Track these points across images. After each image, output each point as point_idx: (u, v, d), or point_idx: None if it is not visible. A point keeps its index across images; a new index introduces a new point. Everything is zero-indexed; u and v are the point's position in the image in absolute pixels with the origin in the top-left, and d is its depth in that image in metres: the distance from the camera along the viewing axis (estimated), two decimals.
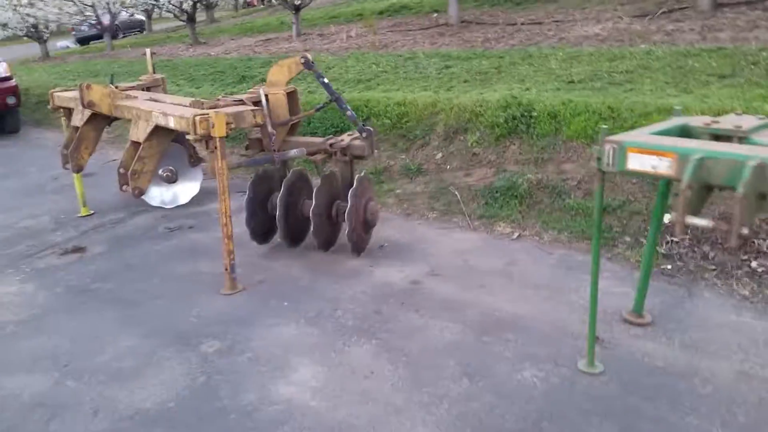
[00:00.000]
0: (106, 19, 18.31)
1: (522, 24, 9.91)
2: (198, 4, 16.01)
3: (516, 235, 4.50)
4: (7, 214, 5.82)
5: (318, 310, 3.58)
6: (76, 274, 4.34)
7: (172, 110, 3.85)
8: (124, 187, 4.80)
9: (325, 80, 4.17)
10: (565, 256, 4.10)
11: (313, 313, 3.56)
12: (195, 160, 5.65)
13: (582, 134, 5.14)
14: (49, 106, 5.24)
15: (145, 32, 27.09)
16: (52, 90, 5.17)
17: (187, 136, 3.65)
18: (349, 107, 4.21)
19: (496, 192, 5.05)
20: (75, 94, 4.96)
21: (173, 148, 5.60)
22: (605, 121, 5.11)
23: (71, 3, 17.91)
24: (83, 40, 27.05)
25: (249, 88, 6.38)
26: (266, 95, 4.15)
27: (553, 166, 5.11)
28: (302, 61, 4.16)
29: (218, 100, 4.11)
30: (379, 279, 3.94)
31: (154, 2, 15.57)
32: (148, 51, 5.81)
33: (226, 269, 3.85)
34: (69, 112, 5.23)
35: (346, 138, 4.18)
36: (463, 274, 3.94)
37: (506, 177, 5.14)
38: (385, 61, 8.84)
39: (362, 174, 4.30)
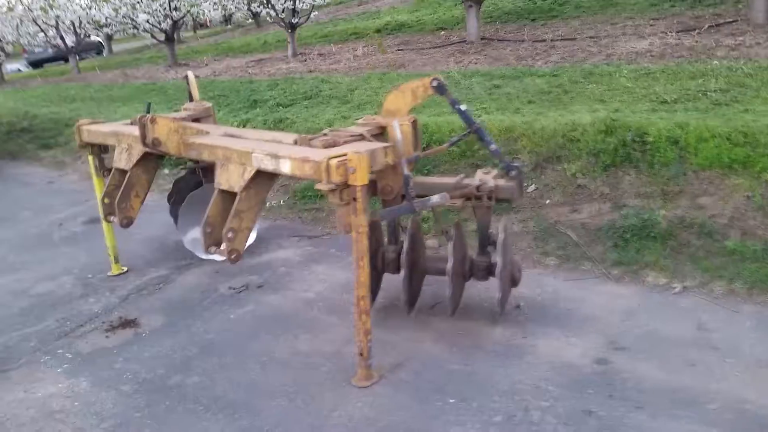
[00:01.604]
0: (69, 40, 16.95)
1: (552, 41, 9.31)
2: (178, 24, 14.90)
3: (678, 288, 3.72)
4: (13, 275, 4.71)
5: (503, 410, 2.70)
6: (140, 361, 3.33)
7: (287, 151, 2.93)
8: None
9: (462, 107, 3.33)
10: (759, 315, 3.35)
11: (499, 416, 2.67)
12: None
13: (716, 162, 4.43)
14: (76, 143, 4.20)
15: (105, 53, 25.66)
16: (80, 122, 4.15)
17: (318, 186, 2.73)
18: (492, 140, 3.37)
19: (626, 232, 4.28)
20: (114, 128, 3.97)
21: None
22: (740, 147, 4.44)
23: (30, 22, 16.52)
24: (36, 63, 25.37)
25: (265, 114, 5.40)
26: (390, 128, 3.28)
27: (687, 200, 4.38)
28: (434, 84, 3.31)
29: (326, 134, 3.21)
30: (550, 357, 3.09)
31: (131, 22, 14.36)
32: (190, 74, 4.84)
33: (361, 354, 2.92)
34: (99, 150, 4.21)
35: (487, 177, 3.34)
36: (652, 347, 3.13)
37: (632, 213, 4.38)
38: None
39: (506, 221, 3.47)
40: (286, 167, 2.88)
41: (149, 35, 15.32)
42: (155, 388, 3.07)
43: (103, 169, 4.23)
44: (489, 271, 3.41)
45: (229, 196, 3.17)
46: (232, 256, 3.12)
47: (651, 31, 8.74)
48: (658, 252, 4.07)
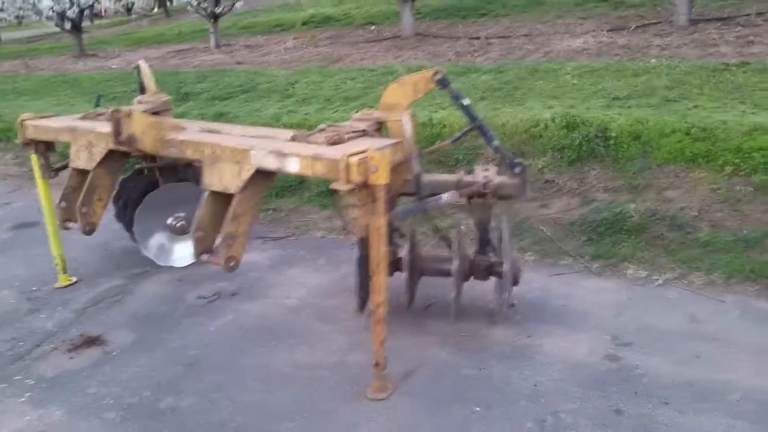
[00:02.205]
0: None
1: (487, 38, 9.43)
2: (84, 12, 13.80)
3: (660, 280, 3.81)
4: None
5: (532, 415, 2.62)
6: (119, 384, 2.97)
7: (294, 148, 2.69)
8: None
9: (465, 102, 3.22)
10: (742, 304, 3.48)
11: (530, 421, 2.59)
12: None
13: (679, 157, 4.60)
14: (17, 140, 3.69)
15: None
16: (23, 116, 3.64)
17: (335, 186, 2.52)
18: (494, 136, 3.28)
19: (599, 226, 4.35)
20: (69, 123, 3.52)
21: (182, 189, 4.28)
22: (700, 142, 4.64)
23: None
24: None
25: (201, 107, 5.17)
26: (391, 123, 3.11)
27: (654, 193, 4.52)
28: (437, 77, 3.17)
29: (323, 129, 2.99)
30: (560, 356, 3.05)
31: (31, 8, 13.13)
32: (143, 62, 4.41)
33: (377, 364, 2.75)
34: (46, 148, 3.73)
35: (491, 175, 3.25)
36: (654, 341, 3.16)
37: (602, 207, 4.46)
38: (362, 77, 7.88)
39: (503, 219, 3.40)
40: (293, 166, 2.64)
41: (53, 24, 14.09)
42: (146, 413, 2.74)
43: (49, 170, 3.76)
44: (489, 270, 3.33)
45: (221, 198, 2.88)
46: (231, 264, 2.84)
47: (582, 29, 9.05)
48: (633, 245, 4.15)
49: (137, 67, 4.34)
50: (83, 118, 3.68)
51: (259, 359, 3.15)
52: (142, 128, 2.93)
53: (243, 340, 3.35)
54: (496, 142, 3.23)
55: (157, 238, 4.16)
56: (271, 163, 2.71)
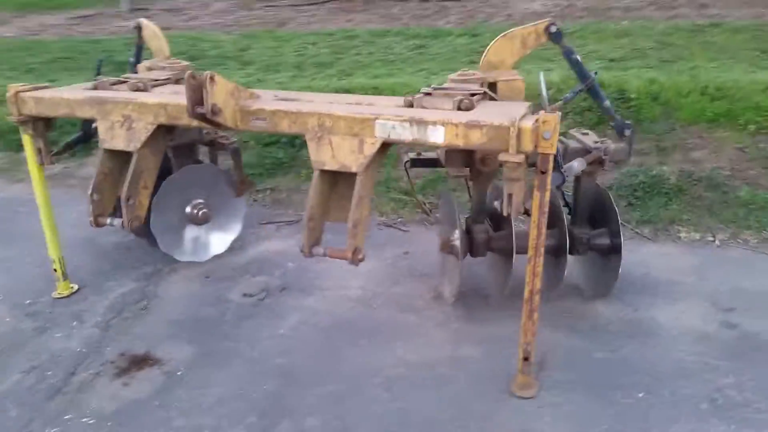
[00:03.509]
0: None
1: (438, 1, 9.13)
2: None
3: (716, 241, 3.78)
4: None
5: (700, 395, 2.44)
6: (209, 411, 2.45)
7: (438, 116, 2.26)
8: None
9: (579, 58, 2.92)
10: None
11: (704, 402, 2.40)
12: (240, 186, 3.77)
13: (701, 117, 4.60)
14: (11, 117, 2.90)
15: None
16: (19, 88, 2.86)
17: (504, 157, 2.14)
18: (606, 96, 3.01)
19: (636, 190, 4.26)
20: (93, 94, 2.82)
21: (204, 170, 3.68)
22: (718, 101, 4.66)
23: None
24: None
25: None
26: (503, 84, 2.75)
27: (680, 154, 4.49)
28: (552, 30, 2.83)
29: (429, 93, 2.58)
30: (678, 328, 2.90)
31: None
32: (145, 21, 3.67)
33: (526, 358, 2.44)
34: (45, 127, 3.00)
35: (599, 139, 2.99)
36: (756, 305, 3.09)
37: (635, 171, 4.37)
38: (323, 42, 7.33)
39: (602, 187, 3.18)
40: (437, 136, 2.23)
41: None
42: None
43: (49, 154, 3.03)
44: (591, 244, 3.09)
45: (334, 178, 2.40)
46: (359, 256, 2.39)
47: None
48: (677, 207, 4.10)
49: (138, 26, 3.61)
50: (96, 87, 2.98)
51: (361, 362, 2.73)
52: (223, 97, 2.35)
53: (327, 342, 2.90)
54: (607, 103, 2.97)
55: (177, 230, 3.54)
56: (403, 134, 2.27)
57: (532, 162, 2.43)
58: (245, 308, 3.22)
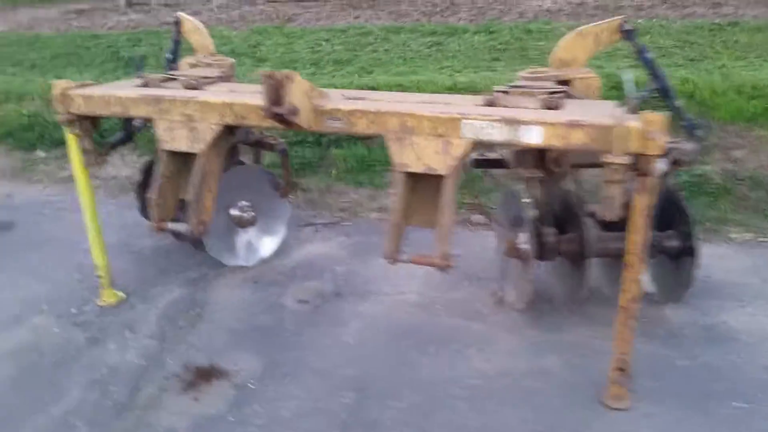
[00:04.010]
0: None
1: None
2: None
3: None
4: None
5: None
6: (291, 427, 2.33)
7: (532, 115, 2.17)
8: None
9: (651, 57, 2.85)
10: None
11: None
12: (286, 187, 3.64)
13: (738, 116, 4.57)
14: (58, 116, 2.74)
15: None
16: (65, 85, 2.71)
17: (609, 159, 2.05)
18: (676, 95, 2.95)
19: (681, 190, 4.21)
20: (150, 92, 2.68)
21: (249, 172, 3.56)
22: (756, 100, 4.63)
23: None
24: None
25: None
26: (579, 81, 2.67)
27: (720, 153, 4.46)
28: (625, 27, 2.75)
29: (505, 92, 2.49)
30: (758, 334, 2.84)
31: None
32: (184, 15, 3.52)
33: (622, 369, 2.36)
34: (92, 126, 2.84)
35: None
36: None
37: (678, 171, 4.31)
38: (336, 39, 7.20)
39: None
40: (533, 136, 2.14)
41: None
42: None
43: (96, 155, 2.88)
44: (661, 247, 3.02)
45: (417, 181, 2.30)
46: (448, 262, 2.29)
47: None
48: (724, 207, 4.07)
49: (177, 21, 3.46)
50: (145, 84, 2.84)
51: (436, 372, 2.63)
52: (300, 96, 2.24)
53: (396, 351, 2.80)
54: (678, 102, 2.91)
55: (225, 233, 3.41)
56: (493, 135, 2.18)
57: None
58: (303, 315, 3.10)
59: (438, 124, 2.23)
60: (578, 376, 2.57)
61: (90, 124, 2.83)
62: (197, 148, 2.52)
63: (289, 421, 2.37)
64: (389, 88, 5.15)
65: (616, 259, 2.98)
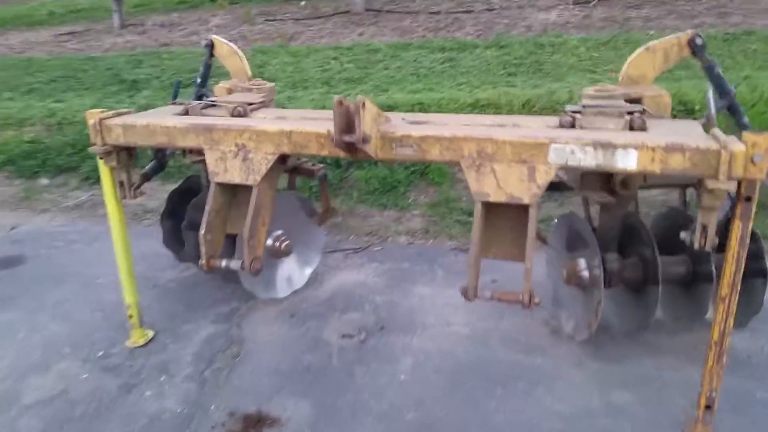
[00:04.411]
0: None
1: (449, 12, 8.94)
2: None
3: None
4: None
5: None
6: None
7: (625, 138, 2.02)
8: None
9: (720, 72, 2.72)
10: None
11: None
12: (324, 214, 3.46)
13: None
14: (94, 147, 2.53)
15: None
16: (101, 115, 2.51)
17: (714, 185, 1.90)
18: (744, 113, 2.81)
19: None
20: (198, 121, 2.49)
21: (284, 199, 3.37)
22: None
23: None
24: None
25: (148, 95, 3.94)
26: (649, 100, 2.53)
27: None
28: (697, 42, 2.61)
29: (578, 111, 2.34)
30: None
31: None
32: (218, 38, 3.35)
33: (709, 406, 2.20)
34: (129, 158, 2.65)
35: None
36: None
37: None
38: (344, 57, 7.06)
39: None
40: (628, 161, 1.98)
41: None
42: None
43: (131, 188, 2.68)
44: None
45: (496, 211, 2.13)
46: (536, 300, 2.11)
47: (546, 3, 8.85)
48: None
49: (210, 44, 3.29)
50: (186, 111, 2.65)
51: (508, 415, 2.44)
52: (370, 124, 2.06)
53: (458, 390, 2.61)
54: (746, 120, 2.77)
55: (283, 266, 3.23)
56: (584, 160, 2.02)
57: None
58: (349, 352, 2.90)
59: (522, 150, 2.07)
60: (655, 413, 2.41)
61: (127, 156, 2.64)
62: (252, 179, 2.33)
63: None
64: (410, 106, 5.01)
65: (674, 284, 2.85)
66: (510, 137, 2.08)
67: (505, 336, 2.99)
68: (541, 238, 3.04)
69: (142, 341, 2.98)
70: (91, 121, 2.51)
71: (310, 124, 2.29)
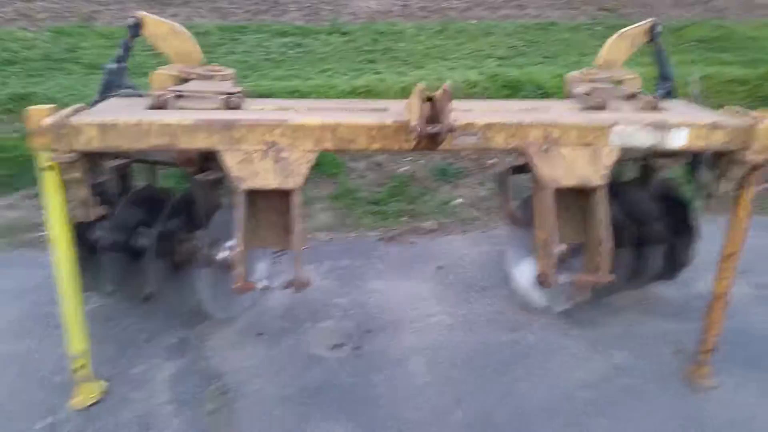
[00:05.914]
0: None
1: None
2: None
3: None
4: None
5: None
6: None
7: (673, 118, 2.13)
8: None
9: (665, 55, 2.99)
10: None
11: None
12: None
13: None
14: (55, 155, 1.82)
15: None
16: (59, 112, 1.81)
17: (750, 157, 2.13)
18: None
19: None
20: (214, 116, 1.99)
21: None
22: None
23: None
24: None
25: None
26: (629, 81, 2.72)
27: None
28: (658, 29, 2.84)
29: (591, 94, 2.45)
30: None
31: None
32: (145, 15, 2.69)
33: (712, 349, 2.50)
34: (94, 168, 2.04)
35: None
36: None
37: None
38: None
39: None
40: (679, 139, 2.13)
41: None
42: None
43: (92, 205, 2.07)
44: None
45: (567, 196, 2.12)
46: (608, 279, 2.14)
47: None
48: None
49: (137, 24, 2.68)
50: (160, 106, 2.14)
51: (545, 393, 2.49)
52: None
53: (487, 382, 2.56)
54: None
55: (212, 283, 2.76)
56: (642, 140, 2.13)
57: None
58: (349, 363, 2.66)
59: (586, 133, 2.10)
60: (654, 365, 2.64)
61: (97, 165, 2.03)
62: (292, 182, 1.96)
63: None
64: (287, 94, 4.70)
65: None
66: (575, 121, 2.10)
67: (489, 319, 3.02)
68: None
69: (93, 396, 2.36)
70: (43, 122, 1.87)
71: (354, 116, 2.02)
